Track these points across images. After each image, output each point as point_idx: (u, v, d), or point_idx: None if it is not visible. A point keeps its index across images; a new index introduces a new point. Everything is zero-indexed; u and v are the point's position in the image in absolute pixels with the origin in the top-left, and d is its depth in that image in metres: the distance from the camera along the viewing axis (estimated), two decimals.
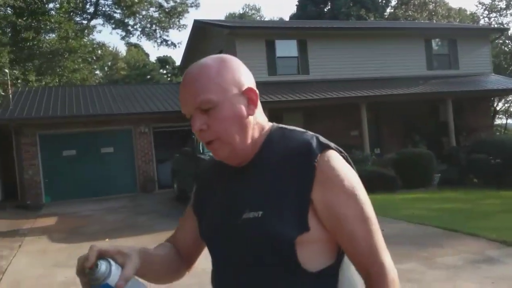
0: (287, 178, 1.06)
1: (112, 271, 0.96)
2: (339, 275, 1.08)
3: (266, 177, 1.09)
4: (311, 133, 1.14)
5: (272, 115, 13.99)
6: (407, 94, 15.16)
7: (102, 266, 0.96)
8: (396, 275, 1.07)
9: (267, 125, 1.18)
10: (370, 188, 7.30)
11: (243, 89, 1.11)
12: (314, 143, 1.08)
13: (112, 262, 0.98)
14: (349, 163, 1.14)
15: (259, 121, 1.15)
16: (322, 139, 1.12)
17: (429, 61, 17.39)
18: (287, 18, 31.40)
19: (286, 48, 15.64)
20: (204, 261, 1.36)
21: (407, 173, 12.39)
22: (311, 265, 1.05)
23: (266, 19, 41.29)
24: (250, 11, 45.73)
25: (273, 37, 15.65)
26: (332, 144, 1.12)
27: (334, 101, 14.38)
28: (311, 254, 1.05)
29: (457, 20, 33.26)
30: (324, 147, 1.09)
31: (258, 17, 45.24)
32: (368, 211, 1.06)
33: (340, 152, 1.12)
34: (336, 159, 1.08)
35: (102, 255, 0.99)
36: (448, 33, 18.38)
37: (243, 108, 1.10)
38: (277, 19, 40.08)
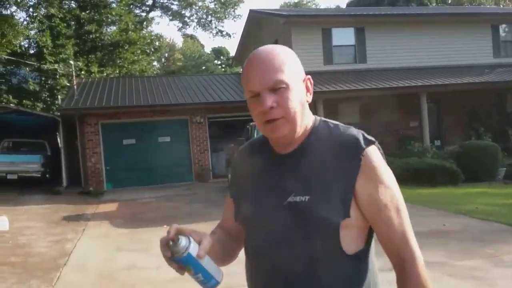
0: (334, 167, 1.17)
1: (191, 244, 1.10)
2: (369, 258, 1.22)
3: (313, 165, 1.19)
4: (355, 128, 1.25)
5: (327, 106, 13.79)
6: (472, 83, 14.38)
7: (183, 240, 1.10)
8: (423, 260, 1.17)
9: (313, 116, 1.28)
10: (430, 181, 7.02)
11: (303, 77, 1.23)
12: (361, 138, 1.20)
13: (191, 238, 1.12)
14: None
15: (309, 110, 1.25)
16: (366, 135, 1.22)
17: (496, 48, 16.41)
18: (343, 6, 30.70)
19: (343, 36, 15.28)
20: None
21: (470, 167, 11.81)
22: (349, 248, 1.17)
23: (321, 7, 40.56)
24: (305, 0, 45.12)
25: (330, 25, 15.33)
26: (375, 140, 1.22)
27: (393, 90, 13.91)
28: (349, 238, 1.16)
29: None
30: (370, 143, 1.20)
31: (313, 6, 44.54)
32: (402, 202, 1.20)
33: (378, 149, 1.23)
34: (378, 154, 1.20)
35: (181, 232, 1.12)
36: None
37: (304, 94, 1.22)
38: (334, 7, 39.26)
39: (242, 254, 1.37)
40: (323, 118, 1.29)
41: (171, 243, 1.10)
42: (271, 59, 1.17)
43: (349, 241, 1.17)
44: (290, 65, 1.19)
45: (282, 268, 1.19)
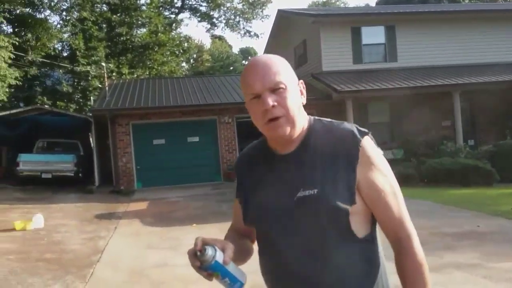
0: (335, 160, 1.27)
1: (217, 253, 1.21)
2: (376, 240, 1.33)
3: (315, 160, 1.29)
4: (348, 123, 1.35)
5: (356, 105, 13.64)
6: (507, 81, 13.95)
7: (209, 249, 1.21)
8: (418, 239, 1.29)
9: (307, 116, 1.38)
10: (463, 181, 6.83)
11: (297, 82, 1.35)
12: (356, 130, 1.30)
13: (216, 247, 1.22)
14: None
15: (304, 111, 1.36)
16: (359, 127, 1.32)
17: None
18: (373, 4, 30.28)
19: (373, 35, 15.08)
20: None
21: (505, 167, 11.47)
22: (359, 232, 1.27)
23: (350, 6, 40.21)
24: None
25: (359, 24, 15.15)
26: (368, 131, 1.32)
27: (425, 89, 13.63)
28: (358, 223, 1.27)
29: None
30: (364, 134, 1.30)
31: (342, 4, 44.14)
32: (398, 187, 1.32)
33: (371, 139, 1.33)
34: (372, 144, 1.31)
35: (206, 243, 1.23)
36: None
37: (299, 96, 1.33)
38: (363, 6, 38.79)
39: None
40: (317, 117, 1.40)
41: (198, 253, 1.21)
42: (270, 64, 1.29)
43: (359, 226, 1.28)
44: (286, 70, 1.31)
45: (298, 261, 1.27)
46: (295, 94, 1.31)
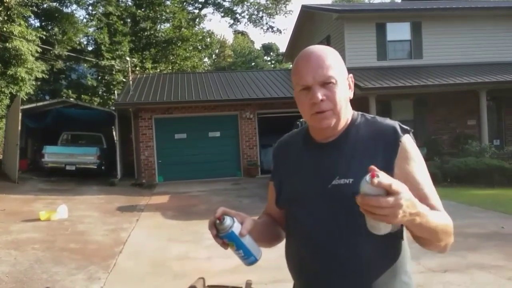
0: (374, 152, 1.29)
1: (235, 224, 1.25)
2: (404, 234, 1.34)
3: (354, 151, 1.32)
4: (390, 120, 1.38)
5: (379, 102, 13.47)
6: None
7: (227, 219, 1.25)
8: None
9: (352, 111, 1.40)
10: (487, 182, 6.69)
11: (347, 76, 1.36)
12: (398, 127, 1.33)
13: (235, 218, 1.26)
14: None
15: (350, 105, 1.38)
16: (402, 125, 1.35)
17: None
18: (398, 0, 29.79)
19: (398, 31, 14.86)
20: None
21: None
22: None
23: (375, 2, 39.67)
24: None
25: (384, 20, 14.95)
26: (411, 130, 1.36)
27: (450, 87, 13.38)
28: None
29: None
30: (406, 131, 1.33)
31: (367, 0, 43.59)
32: (430, 180, 1.34)
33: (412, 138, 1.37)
34: (413, 142, 1.34)
35: (227, 213, 1.27)
36: None
37: (348, 90, 1.35)
38: (388, 1, 38.26)
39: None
40: (361, 112, 1.43)
41: (217, 221, 1.24)
42: (323, 57, 1.31)
43: None
44: (338, 64, 1.32)
45: (326, 247, 1.30)
46: (344, 89, 1.33)
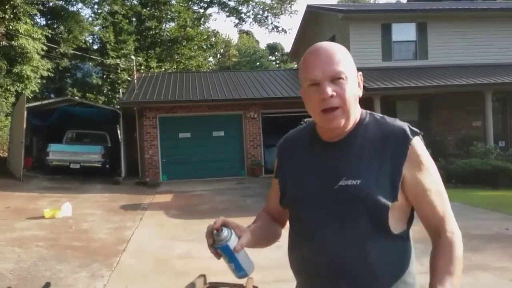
0: (382, 154, 1.27)
1: (232, 237, 1.24)
2: (409, 237, 1.33)
3: (362, 152, 1.29)
4: (400, 121, 1.35)
5: (384, 103, 13.43)
6: None
7: (225, 231, 1.23)
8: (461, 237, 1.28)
9: (360, 109, 1.37)
10: (492, 183, 6.66)
11: (356, 74, 1.33)
12: (408, 129, 1.30)
13: (232, 231, 1.25)
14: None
15: (358, 104, 1.34)
16: (412, 127, 1.32)
17: None
18: (404, 1, 29.67)
19: (404, 32, 14.82)
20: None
21: None
22: (395, 228, 1.28)
23: (381, 2, 39.58)
24: None
25: (390, 20, 14.90)
26: (420, 132, 1.33)
27: (456, 88, 13.32)
28: (395, 219, 1.27)
29: None
30: (416, 134, 1.31)
31: (372, 0, 43.53)
32: (443, 187, 1.33)
33: (422, 140, 1.34)
34: (422, 145, 1.31)
35: (226, 224, 1.25)
36: None
37: (357, 88, 1.32)
38: (393, 2, 38.15)
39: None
40: (369, 111, 1.39)
41: (215, 232, 1.23)
42: (333, 53, 1.28)
43: (395, 222, 1.28)
44: (348, 61, 1.30)
45: (330, 248, 1.28)
46: (354, 86, 1.30)
